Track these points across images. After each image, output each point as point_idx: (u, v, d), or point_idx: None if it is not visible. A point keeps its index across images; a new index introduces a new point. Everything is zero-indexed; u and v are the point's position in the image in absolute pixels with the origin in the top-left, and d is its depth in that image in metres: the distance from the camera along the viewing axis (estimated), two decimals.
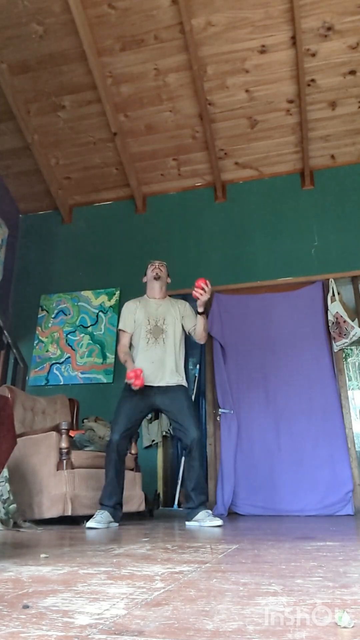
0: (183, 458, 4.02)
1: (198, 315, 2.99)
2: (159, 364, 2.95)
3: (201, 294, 2.83)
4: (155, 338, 3.01)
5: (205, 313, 2.99)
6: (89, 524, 2.62)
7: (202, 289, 2.83)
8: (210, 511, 2.77)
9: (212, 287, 4.63)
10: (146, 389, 2.87)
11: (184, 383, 3.00)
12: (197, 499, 2.77)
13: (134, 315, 3.08)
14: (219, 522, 2.64)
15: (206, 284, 2.84)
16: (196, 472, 2.81)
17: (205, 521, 2.66)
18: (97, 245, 5.26)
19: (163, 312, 3.08)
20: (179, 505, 4.24)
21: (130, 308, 3.12)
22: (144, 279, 3.24)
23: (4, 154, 5.10)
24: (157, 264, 3.22)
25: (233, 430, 4.12)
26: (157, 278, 3.16)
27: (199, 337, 3.05)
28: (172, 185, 5.21)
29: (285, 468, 3.97)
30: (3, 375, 4.19)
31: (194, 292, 2.85)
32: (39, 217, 5.61)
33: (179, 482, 4.29)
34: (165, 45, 4.24)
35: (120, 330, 3.13)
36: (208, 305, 4.60)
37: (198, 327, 3.01)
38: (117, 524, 2.73)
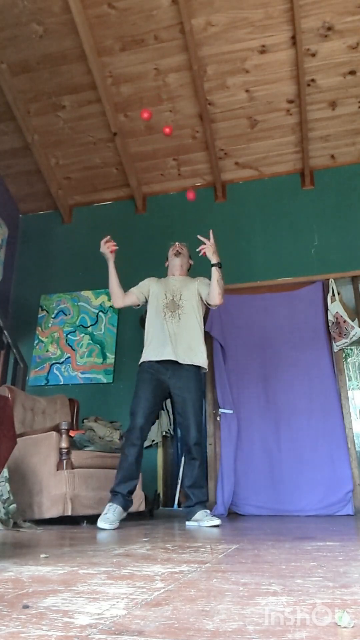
0: (183, 458, 4.02)
1: (212, 268, 2.92)
2: (177, 338, 2.88)
3: (205, 247, 2.86)
4: (171, 312, 2.96)
5: (218, 265, 2.93)
6: (101, 523, 2.50)
7: (203, 242, 2.86)
8: (208, 511, 2.76)
9: None
10: (161, 369, 2.84)
11: (201, 362, 2.90)
12: (195, 497, 2.76)
13: (148, 287, 3.08)
14: (217, 521, 2.63)
15: (210, 235, 2.87)
16: (195, 470, 2.79)
17: (203, 521, 2.65)
18: (97, 245, 5.23)
19: (180, 288, 3.06)
20: (179, 505, 4.24)
21: (149, 280, 3.14)
22: (166, 263, 3.27)
23: (4, 154, 5.10)
24: (177, 244, 3.26)
25: (233, 430, 4.12)
26: (177, 255, 3.19)
27: (213, 293, 2.94)
28: (172, 185, 5.21)
29: (285, 468, 3.97)
30: (3, 375, 4.19)
31: (199, 249, 2.91)
32: (39, 217, 5.61)
33: (179, 482, 4.29)
34: (165, 45, 4.24)
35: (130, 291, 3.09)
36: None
37: (212, 282, 2.93)
38: (125, 514, 2.67)
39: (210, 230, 2.92)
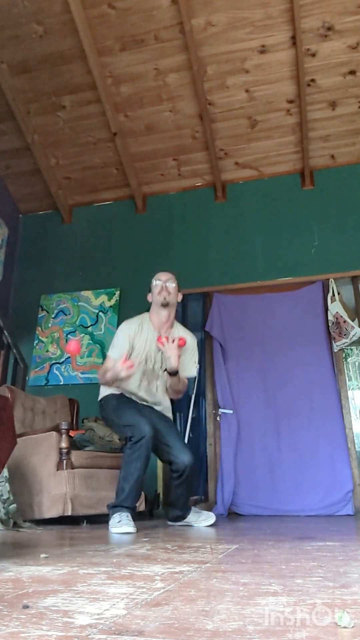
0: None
1: (168, 376, 2.60)
2: (146, 395, 2.73)
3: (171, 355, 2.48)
4: (148, 382, 2.67)
5: (176, 375, 2.58)
6: (124, 528, 2.27)
7: (163, 344, 2.48)
8: (196, 508, 2.71)
9: (212, 287, 4.66)
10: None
11: (170, 413, 2.84)
12: (183, 511, 2.68)
13: (131, 343, 2.60)
14: (212, 519, 2.58)
15: (166, 339, 2.49)
16: (186, 492, 2.64)
17: (198, 522, 2.61)
18: (97, 245, 5.27)
19: (163, 357, 2.62)
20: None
21: (130, 333, 2.62)
22: (149, 297, 2.74)
23: (4, 154, 5.10)
24: (164, 283, 2.62)
25: (233, 430, 4.12)
26: (165, 305, 2.62)
27: (170, 393, 2.73)
28: (172, 185, 5.21)
29: (285, 468, 3.97)
30: (3, 375, 4.19)
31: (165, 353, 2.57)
32: (39, 217, 5.61)
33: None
34: (165, 45, 4.24)
35: (109, 357, 2.63)
36: (206, 303, 4.60)
37: (171, 384, 2.64)
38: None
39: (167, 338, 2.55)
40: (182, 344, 2.49)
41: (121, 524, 2.31)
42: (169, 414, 2.86)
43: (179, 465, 2.56)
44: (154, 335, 2.62)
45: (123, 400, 2.66)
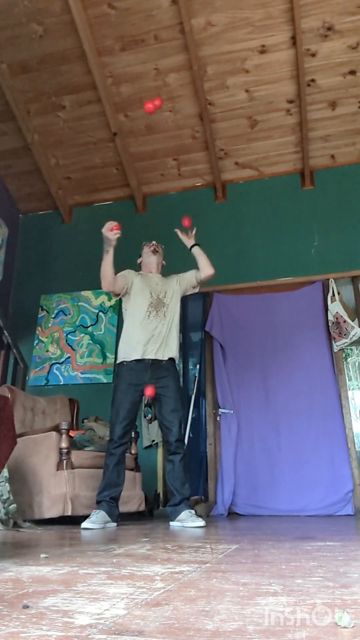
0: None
1: (193, 248, 3.09)
2: (158, 337, 2.92)
3: (182, 233, 3.02)
4: (156, 311, 2.98)
5: (198, 245, 3.12)
6: (84, 524, 2.57)
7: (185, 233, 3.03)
8: (193, 511, 2.71)
9: (212, 287, 4.65)
10: (140, 367, 2.85)
11: (175, 354, 2.97)
12: (179, 494, 2.74)
13: (132, 279, 3.06)
14: (201, 522, 2.56)
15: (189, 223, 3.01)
16: (177, 467, 2.79)
17: (187, 522, 2.61)
18: (97, 245, 5.22)
19: (163, 286, 3.08)
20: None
21: (129, 272, 3.10)
22: (139, 260, 3.26)
23: (4, 154, 5.10)
24: (154, 243, 3.26)
25: (233, 430, 4.12)
26: (154, 252, 3.19)
27: (203, 266, 3.10)
28: (172, 185, 5.21)
29: (285, 468, 3.97)
30: (3, 375, 4.19)
31: (179, 233, 3.09)
32: (39, 217, 5.61)
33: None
34: (165, 45, 4.24)
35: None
36: (206, 303, 4.60)
37: (198, 257, 3.09)
38: (115, 524, 2.66)
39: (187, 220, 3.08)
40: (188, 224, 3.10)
41: (86, 521, 2.60)
42: (172, 352, 2.93)
43: (170, 438, 2.82)
44: (152, 277, 3.14)
45: (121, 388, 2.87)
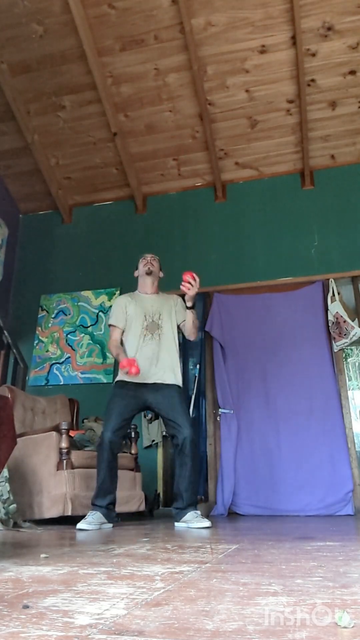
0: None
1: (187, 310, 2.92)
2: (154, 360, 2.87)
3: (189, 288, 2.77)
4: (151, 334, 2.92)
5: (194, 307, 2.92)
6: (80, 525, 2.52)
7: (189, 282, 2.76)
8: (198, 512, 2.69)
9: (212, 287, 4.66)
10: (139, 387, 2.82)
11: (179, 383, 2.91)
12: (187, 500, 2.69)
13: (125, 310, 3.00)
14: (207, 523, 2.55)
15: (193, 278, 2.78)
16: (189, 471, 2.72)
17: (193, 522, 2.58)
18: (97, 245, 5.27)
19: (158, 308, 3.01)
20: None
21: (121, 304, 3.03)
22: (136, 273, 3.18)
23: (4, 154, 5.10)
24: (149, 258, 3.14)
25: (233, 430, 4.12)
26: (149, 273, 3.09)
27: (189, 332, 2.97)
28: (172, 185, 5.21)
29: (285, 468, 3.97)
30: (3, 375, 4.19)
31: (181, 286, 2.78)
32: (39, 217, 5.61)
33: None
34: (165, 45, 4.24)
35: (111, 325, 3.02)
36: (206, 303, 4.61)
37: (187, 322, 2.94)
38: (110, 525, 2.64)
39: (194, 274, 2.81)
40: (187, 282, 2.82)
41: (82, 521, 2.56)
42: (171, 377, 2.86)
43: (179, 438, 2.74)
44: (147, 298, 3.07)
45: (117, 395, 2.84)
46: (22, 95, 4.66)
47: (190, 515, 2.64)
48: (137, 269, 3.18)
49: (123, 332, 2.99)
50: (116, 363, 4.67)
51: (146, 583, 1.00)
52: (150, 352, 2.88)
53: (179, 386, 2.91)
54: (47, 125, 4.86)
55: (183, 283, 2.78)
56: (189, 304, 2.88)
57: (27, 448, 3.06)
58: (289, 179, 4.95)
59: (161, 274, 3.19)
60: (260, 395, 4.22)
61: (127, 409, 2.80)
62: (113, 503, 2.71)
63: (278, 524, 2.87)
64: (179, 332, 3.07)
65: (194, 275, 2.80)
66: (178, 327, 3.05)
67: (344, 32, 4.04)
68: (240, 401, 4.23)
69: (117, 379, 2.91)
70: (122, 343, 2.99)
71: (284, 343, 4.32)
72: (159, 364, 2.87)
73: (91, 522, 2.55)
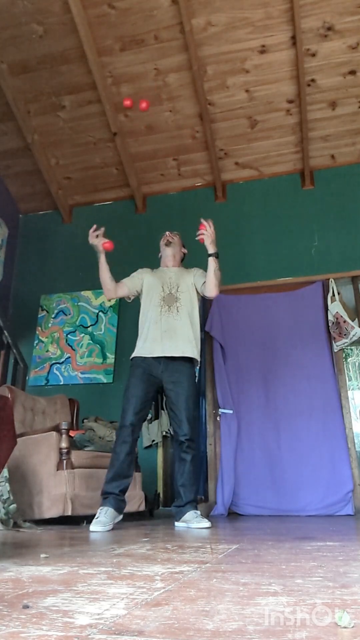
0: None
1: (209, 258, 2.82)
2: (172, 333, 2.81)
3: (204, 235, 2.75)
4: (168, 306, 2.87)
5: (216, 255, 2.83)
6: (93, 527, 2.42)
7: (203, 231, 2.76)
8: (198, 511, 2.67)
9: None
10: (154, 364, 2.78)
11: (195, 353, 2.82)
12: (186, 497, 2.68)
13: (142, 279, 2.98)
14: (207, 523, 2.53)
15: (209, 224, 2.77)
16: (187, 467, 2.70)
17: (193, 522, 2.57)
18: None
19: (177, 280, 2.95)
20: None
21: (141, 271, 3.04)
22: (160, 254, 3.17)
23: (4, 154, 5.10)
24: (168, 234, 3.15)
25: (233, 430, 4.12)
26: (168, 244, 3.07)
27: (210, 286, 2.84)
28: (172, 185, 5.21)
29: (285, 468, 3.97)
30: (3, 375, 4.19)
31: (197, 237, 2.80)
32: (39, 217, 5.61)
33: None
34: (165, 45, 4.24)
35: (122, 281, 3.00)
36: (206, 303, 4.61)
37: (209, 273, 2.83)
38: (121, 517, 2.60)
39: (210, 220, 2.82)
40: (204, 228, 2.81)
41: (94, 522, 2.46)
42: (188, 349, 2.80)
43: (179, 434, 2.74)
44: (166, 270, 3.05)
45: (134, 373, 2.80)
46: (22, 95, 4.66)
47: (190, 515, 2.63)
48: (159, 250, 3.18)
49: (142, 304, 2.98)
50: (117, 362, 4.69)
51: (146, 583, 1.00)
52: (167, 325, 2.83)
53: (191, 363, 2.84)
54: (47, 125, 4.86)
55: (198, 232, 2.78)
56: (210, 250, 2.81)
57: (27, 448, 3.06)
58: (289, 179, 4.95)
59: (184, 250, 3.18)
60: (260, 395, 4.22)
61: (145, 389, 2.76)
62: (125, 490, 2.65)
63: (278, 524, 2.87)
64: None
65: (209, 221, 2.80)
66: (198, 290, 2.98)
67: (344, 32, 4.04)
68: (240, 401, 4.23)
69: (133, 355, 2.87)
70: (140, 314, 3.00)
71: (284, 343, 4.32)
72: (176, 336, 2.81)
73: (104, 522, 2.45)
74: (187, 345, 2.82)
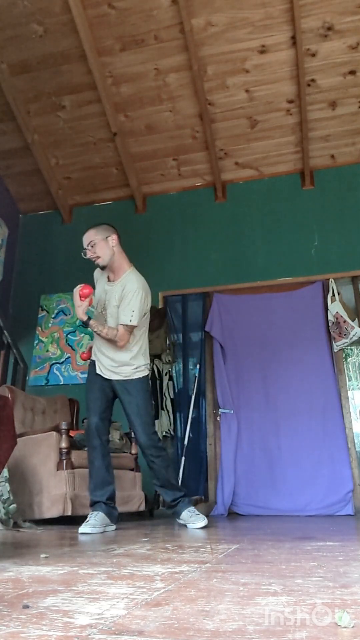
0: (183, 457, 4.00)
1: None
2: (98, 354, 2.66)
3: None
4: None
5: (86, 325, 2.57)
6: (82, 529, 2.36)
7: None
8: (192, 509, 2.59)
9: (212, 287, 4.66)
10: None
11: (128, 375, 2.60)
12: (168, 497, 2.60)
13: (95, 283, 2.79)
14: (202, 523, 2.49)
15: (81, 292, 2.50)
16: (159, 472, 2.58)
17: (188, 522, 2.54)
18: None
19: (109, 297, 2.66)
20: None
21: (95, 276, 2.83)
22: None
23: (4, 154, 5.09)
24: (85, 251, 2.68)
25: (233, 430, 4.12)
26: (102, 267, 2.70)
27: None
28: (172, 185, 5.21)
29: (285, 468, 3.97)
30: (3, 375, 4.19)
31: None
32: (39, 217, 5.61)
33: (179, 482, 4.29)
34: (165, 45, 4.23)
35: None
36: (206, 303, 4.60)
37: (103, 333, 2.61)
38: (114, 527, 2.51)
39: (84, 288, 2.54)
40: (83, 294, 2.49)
41: (84, 525, 2.39)
42: (112, 375, 2.61)
43: (139, 443, 2.61)
44: (106, 285, 2.69)
45: (89, 378, 2.70)
46: (22, 95, 4.66)
47: (185, 514, 2.57)
48: None
49: None
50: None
51: (146, 583, 1.00)
52: (97, 346, 2.67)
53: (140, 379, 2.63)
54: (47, 125, 4.86)
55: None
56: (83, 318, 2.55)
57: (27, 448, 3.06)
58: (289, 179, 4.94)
59: (114, 250, 2.67)
60: (260, 395, 4.22)
61: (102, 391, 2.64)
62: (113, 498, 2.56)
63: (278, 524, 2.87)
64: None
65: (81, 293, 2.52)
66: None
67: (344, 32, 4.04)
68: (240, 401, 4.23)
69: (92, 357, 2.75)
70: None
71: (284, 343, 4.32)
72: (102, 358, 2.64)
73: (94, 524, 2.38)
74: (117, 369, 2.62)
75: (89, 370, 2.75)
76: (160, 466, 2.59)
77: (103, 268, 2.69)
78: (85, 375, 4.73)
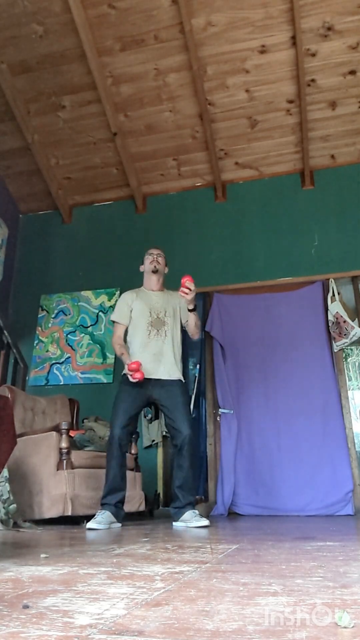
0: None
1: (189, 313, 2.95)
2: (159, 357, 2.91)
3: (187, 293, 2.78)
4: (157, 330, 2.96)
5: (195, 309, 2.95)
6: (90, 524, 2.55)
7: (188, 288, 2.77)
8: (197, 511, 2.72)
9: (212, 287, 4.66)
10: (144, 382, 2.83)
11: (181, 376, 2.95)
12: (184, 499, 2.73)
13: (130, 307, 3.03)
14: (206, 522, 2.59)
15: (191, 282, 2.79)
16: (184, 472, 2.76)
17: (191, 522, 2.61)
18: (97, 245, 5.27)
19: (164, 304, 3.04)
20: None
21: (127, 299, 3.07)
22: (141, 268, 3.18)
23: (4, 154, 5.10)
24: (155, 255, 3.13)
25: (233, 430, 4.12)
26: (155, 272, 3.10)
27: (192, 332, 3.05)
28: (172, 185, 5.21)
29: (285, 468, 3.97)
30: (3, 375, 4.19)
31: (180, 292, 2.80)
32: (39, 217, 5.61)
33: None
34: (165, 45, 4.24)
35: (115, 322, 3.06)
36: (206, 303, 4.61)
37: (190, 323, 3.00)
38: (119, 525, 2.67)
39: (191, 278, 2.80)
40: (186, 287, 2.79)
41: (92, 521, 2.59)
42: (176, 373, 2.91)
43: (178, 438, 2.78)
44: (152, 295, 3.08)
45: (123, 391, 2.89)
46: (22, 95, 4.66)
47: (189, 514, 2.67)
48: (142, 263, 3.17)
49: (127, 329, 3.03)
50: (117, 362, 4.69)
51: (146, 583, 1.00)
52: (156, 349, 2.92)
53: (182, 382, 2.95)
54: (47, 125, 4.86)
55: (182, 289, 2.79)
56: (190, 306, 2.91)
57: (27, 448, 3.06)
58: (289, 179, 4.95)
59: (166, 270, 3.19)
60: (260, 395, 4.22)
61: (133, 405, 2.84)
62: (122, 501, 2.74)
63: (278, 524, 2.87)
64: (181, 330, 3.09)
65: (191, 279, 2.81)
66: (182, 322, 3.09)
67: (344, 32, 4.04)
68: (240, 401, 4.23)
69: (124, 372, 2.94)
70: (125, 340, 3.03)
71: (284, 343, 4.32)
72: (164, 360, 2.91)
73: (100, 521, 2.56)
74: (174, 368, 2.93)
75: (124, 385, 2.90)
76: (191, 464, 2.79)
77: (155, 272, 3.10)
78: (85, 375, 4.75)
